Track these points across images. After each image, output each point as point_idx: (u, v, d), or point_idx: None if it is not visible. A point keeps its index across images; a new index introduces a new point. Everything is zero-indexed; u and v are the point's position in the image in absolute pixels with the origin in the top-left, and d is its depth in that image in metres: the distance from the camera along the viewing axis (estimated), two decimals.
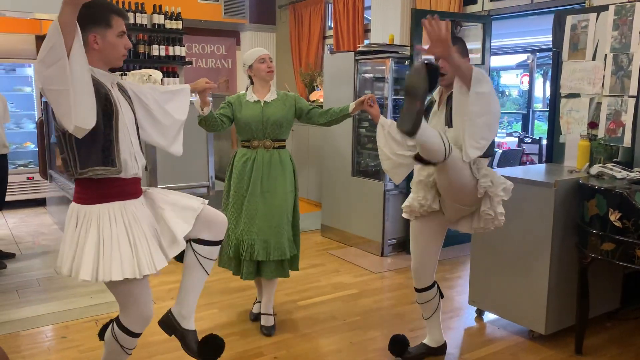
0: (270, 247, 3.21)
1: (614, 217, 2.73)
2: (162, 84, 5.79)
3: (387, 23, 5.76)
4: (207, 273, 2.43)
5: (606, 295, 3.40)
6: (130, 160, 2.17)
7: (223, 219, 2.45)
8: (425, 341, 3.07)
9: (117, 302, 2.25)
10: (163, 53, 6.41)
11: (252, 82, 3.35)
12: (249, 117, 3.23)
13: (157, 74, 5.55)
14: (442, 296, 3.05)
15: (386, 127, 2.97)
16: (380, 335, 3.31)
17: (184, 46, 6.64)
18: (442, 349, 3.07)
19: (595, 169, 3.17)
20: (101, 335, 2.45)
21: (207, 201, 2.40)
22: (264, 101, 3.27)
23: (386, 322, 3.49)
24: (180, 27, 6.55)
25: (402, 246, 4.96)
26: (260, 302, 3.48)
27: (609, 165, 3.19)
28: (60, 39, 1.79)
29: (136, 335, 2.28)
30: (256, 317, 3.46)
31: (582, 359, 3.02)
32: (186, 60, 6.71)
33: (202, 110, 3.00)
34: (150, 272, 2.12)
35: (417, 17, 4.63)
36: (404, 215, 2.98)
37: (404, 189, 4.90)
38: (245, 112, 3.23)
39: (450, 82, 2.58)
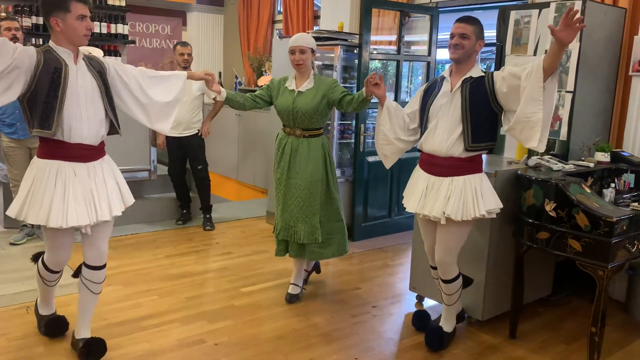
0: (290, 230, 3.41)
1: (549, 207, 2.84)
2: None
3: (337, 10, 5.74)
4: (95, 293, 2.75)
5: (539, 283, 3.55)
6: (77, 129, 2.46)
7: (102, 250, 2.69)
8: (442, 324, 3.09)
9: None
10: (105, 30, 6.16)
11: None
12: (282, 106, 3.36)
13: (97, 52, 5.32)
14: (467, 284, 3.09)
15: (392, 111, 2.96)
16: (323, 321, 3.33)
17: (127, 24, 6.40)
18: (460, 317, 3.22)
19: (533, 160, 3.28)
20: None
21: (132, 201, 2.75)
22: (298, 91, 3.33)
23: (329, 309, 3.51)
24: (123, 4, 6.31)
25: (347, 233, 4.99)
26: (295, 284, 3.64)
27: (546, 157, 3.32)
28: None
29: (52, 271, 2.74)
30: (290, 298, 3.58)
31: (516, 343, 3.14)
32: (129, 39, 6.47)
33: (215, 97, 3.21)
34: (59, 225, 2.44)
35: (367, 6, 4.64)
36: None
37: (350, 177, 4.93)
38: (280, 100, 3.37)
39: (462, 58, 2.73)
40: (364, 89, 3.10)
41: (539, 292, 3.58)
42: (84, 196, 2.50)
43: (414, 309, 3.59)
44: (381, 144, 3.01)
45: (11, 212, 2.51)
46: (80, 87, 2.47)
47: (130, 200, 2.73)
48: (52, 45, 2.47)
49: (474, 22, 2.73)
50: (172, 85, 2.80)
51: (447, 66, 2.85)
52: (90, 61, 2.57)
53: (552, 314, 3.55)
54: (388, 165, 3.11)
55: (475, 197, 2.74)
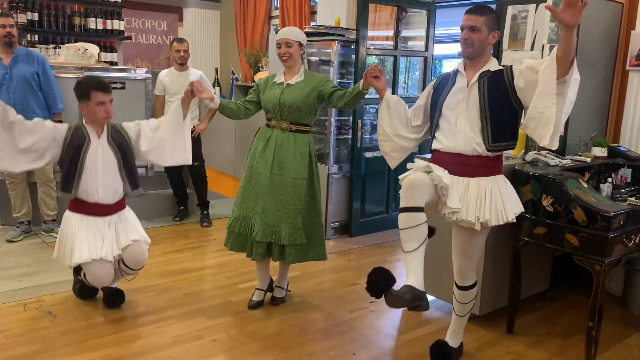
0: (268, 229, 3.16)
1: (546, 202, 2.84)
2: (99, 59, 5.55)
3: (333, 5, 5.72)
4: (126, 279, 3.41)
5: (536, 277, 3.55)
6: (92, 191, 3.07)
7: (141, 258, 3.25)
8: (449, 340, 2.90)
9: None
10: (100, 26, 6.11)
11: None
12: (268, 99, 3.23)
13: (93, 48, 5.31)
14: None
15: (392, 104, 2.76)
16: (320, 316, 3.33)
17: (123, 20, 6.35)
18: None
19: (531, 155, 3.28)
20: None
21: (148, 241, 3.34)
22: (287, 83, 3.21)
23: (327, 304, 3.51)
24: None
25: (345, 229, 5.00)
26: (260, 289, 3.48)
27: (543, 152, 3.32)
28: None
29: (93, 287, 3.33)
30: (256, 305, 3.42)
31: (513, 338, 3.15)
32: (125, 35, 6.43)
33: (210, 105, 3.14)
34: (94, 257, 3.05)
35: (364, 1, 4.63)
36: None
37: (348, 173, 4.92)
38: (268, 93, 3.24)
39: (474, 55, 2.49)
40: (360, 81, 2.96)
41: (536, 286, 3.59)
42: (103, 237, 3.11)
43: None
44: (380, 139, 2.83)
45: (55, 254, 3.21)
46: (99, 159, 3.07)
47: (147, 239, 3.30)
48: (82, 123, 3.11)
49: (485, 11, 2.45)
50: (173, 123, 3.21)
51: (460, 60, 2.60)
52: (114, 134, 3.13)
53: (550, 309, 3.56)
54: (392, 164, 2.87)
55: (503, 200, 2.53)
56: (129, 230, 3.20)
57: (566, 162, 3.25)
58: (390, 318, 3.37)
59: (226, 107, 3.23)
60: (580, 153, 3.52)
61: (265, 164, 3.19)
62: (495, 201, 2.51)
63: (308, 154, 3.23)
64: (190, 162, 3.30)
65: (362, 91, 2.99)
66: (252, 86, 3.40)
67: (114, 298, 3.33)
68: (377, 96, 2.87)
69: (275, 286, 3.54)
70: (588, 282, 2.89)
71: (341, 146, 5.05)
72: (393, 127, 2.78)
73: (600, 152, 3.48)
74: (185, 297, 3.51)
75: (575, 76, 2.27)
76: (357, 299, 3.59)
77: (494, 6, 3.92)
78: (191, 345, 2.92)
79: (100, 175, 3.08)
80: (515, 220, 2.57)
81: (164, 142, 3.19)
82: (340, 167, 4.91)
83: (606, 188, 3.15)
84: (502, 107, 2.48)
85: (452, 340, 2.88)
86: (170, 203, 5.38)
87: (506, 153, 3.56)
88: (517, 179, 3.06)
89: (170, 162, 3.27)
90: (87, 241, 3.03)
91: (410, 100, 5.57)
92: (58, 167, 3.12)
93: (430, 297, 3.59)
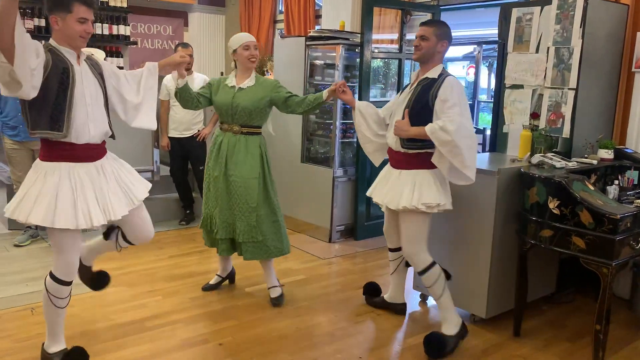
0: (228, 227, 3.36)
1: (552, 204, 2.83)
2: None
3: (338, 9, 5.74)
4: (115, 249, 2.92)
5: (543, 280, 3.54)
6: (85, 128, 2.46)
7: (147, 235, 2.86)
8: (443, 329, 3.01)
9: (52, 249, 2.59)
10: (107, 32, 6.15)
11: (236, 66, 3.40)
12: (221, 102, 3.32)
13: (99, 53, 5.33)
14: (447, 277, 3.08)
15: (364, 110, 3.13)
16: (326, 320, 3.33)
17: (128, 25, 6.39)
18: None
19: (536, 158, 3.28)
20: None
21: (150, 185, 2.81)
22: (239, 87, 3.32)
23: (332, 308, 3.51)
24: (125, 5, 6.30)
25: (350, 232, 5.00)
26: (219, 275, 3.73)
27: (549, 155, 3.31)
28: None
29: (61, 282, 2.56)
30: (210, 287, 3.69)
31: (520, 341, 3.13)
32: (131, 40, 6.47)
33: (177, 82, 3.10)
34: (82, 226, 2.44)
35: (368, 4, 4.63)
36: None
37: (353, 176, 4.92)
38: (219, 96, 3.33)
39: (423, 59, 2.90)
40: (324, 91, 3.26)
41: (542, 289, 3.57)
42: (96, 197, 2.50)
43: (418, 308, 3.59)
44: (362, 142, 3.20)
45: (19, 215, 2.43)
46: (85, 87, 2.47)
47: (147, 184, 2.82)
48: (54, 44, 2.44)
49: (435, 24, 2.92)
50: (142, 83, 2.75)
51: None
52: (92, 62, 2.59)
53: (556, 312, 3.55)
54: (377, 162, 3.24)
55: (414, 189, 2.87)
56: (133, 182, 2.69)
57: (572, 164, 3.24)
58: (396, 322, 3.36)
59: (186, 91, 3.22)
60: (586, 155, 3.50)
61: (219, 167, 3.34)
62: (402, 189, 2.90)
63: (259, 154, 3.37)
64: (155, 128, 2.83)
65: (324, 101, 3.28)
66: None
67: (100, 281, 3.05)
68: (382, 99, 3.06)
69: (268, 288, 3.56)
70: (595, 285, 2.87)
71: (346, 149, 5.05)
72: (371, 129, 3.14)
73: (606, 154, 3.47)
74: (191, 300, 3.52)
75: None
76: (363, 303, 3.59)
77: (498, 9, 3.94)
78: (197, 349, 2.92)
79: (90, 107, 2.49)
80: (424, 209, 2.85)
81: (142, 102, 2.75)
82: (345, 171, 4.90)
83: (613, 190, 3.13)
84: (422, 112, 2.84)
85: (445, 328, 3.00)
86: (176, 207, 5.39)
87: (512, 156, 3.57)
88: (523, 181, 3.06)
89: (140, 123, 2.73)
90: (75, 202, 2.43)
91: None
92: (26, 103, 2.37)
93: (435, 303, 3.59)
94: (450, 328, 2.98)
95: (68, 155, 2.46)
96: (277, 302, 3.49)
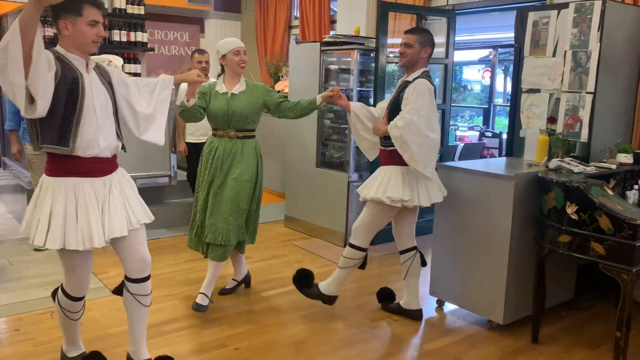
0: (218, 231, 3.30)
1: (570, 210, 2.80)
2: (123, 70, 5.65)
3: (353, 14, 5.75)
4: (146, 306, 2.60)
5: (561, 286, 3.50)
6: (94, 141, 2.31)
7: (143, 257, 2.54)
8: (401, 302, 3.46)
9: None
10: (124, 39, 6.22)
11: (223, 71, 3.39)
12: (216, 109, 3.31)
13: (117, 60, 5.40)
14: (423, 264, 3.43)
15: (358, 112, 3.33)
16: (342, 326, 3.32)
17: (146, 32, 6.46)
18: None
19: (554, 163, 3.25)
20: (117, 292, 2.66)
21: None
22: (232, 93, 3.33)
23: (348, 313, 3.51)
24: (142, 12, 6.36)
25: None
26: (235, 279, 3.75)
27: (567, 159, 3.28)
28: (17, 42, 1.93)
29: (73, 298, 2.50)
30: (227, 292, 3.72)
31: (538, 348, 3.10)
32: (148, 46, 6.54)
33: (188, 101, 3.05)
34: (80, 248, 2.30)
35: (383, 9, 4.64)
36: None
37: None
38: (214, 104, 3.32)
39: (408, 65, 3.15)
40: (318, 96, 3.37)
41: (561, 295, 3.53)
42: (100, 214, 2.35)
43: (434, 314, 3.57)
44: (358, 140, 3.43)
45: (39, 240, 2.29)
46: (95, 97, 2.32)
47: (150, 215, 2.57)
48: (61, 51, 2.27)
49: (418, 32, 3.17)
50: (157, 96, 2.60)
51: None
52: (101, 70, 2.43)
53: (575, 318, 3.50)
54: (370, 158, 3.47)
55: (381, 183, 3.14)
56: (133, 205, 2.46)
57: (590, 169, 3.21)
58: (412, 327, 3.35)
59: (193, 108, 3.17)
60: (605, 160, 3.46)
61: (213, 173, 3.34)
62: (373, 182, 3.20)
63: (255, 156, 3.39)
64: (162, 144, 2.65)
65: (318, 106, 3.39)
66: None
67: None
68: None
69: (200, 292, 3.43)
70: (615, 291, 2.84)
71: (361, 154, 5.02)
72: (367, 129, 3.35)
73: (625, 158, 3.43)
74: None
75: (394, 134, 3.01)
76: (378, 308, 3.58)
77: (514, 12, 3.92)
78: (214, 353, 2.94)
79: (100, 119, 2.33)
80: (386, 202, 3.10)
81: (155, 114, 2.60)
82: (360, 175, 4.90)
83: (632, 195, 3.10)
84: (395, 112, 3.07)
85: (325, 287, 3.42)
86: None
87: (529, 160, 3.54)
88: (541, 186, 3.03)
89: (149, 137, 2.57)
90: (80, 221, 2.30)
91: None
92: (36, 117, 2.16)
93: (453, 307, 3.58)
94: (327, 289, 3.41)
95: (75, 170, 2.31)
96: (197, 308, 3.36)
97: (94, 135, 2.31)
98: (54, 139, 2.24)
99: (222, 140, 3.36)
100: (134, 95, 2.51)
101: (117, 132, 2.44)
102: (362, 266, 3.41)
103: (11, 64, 1.96)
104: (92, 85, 2.31)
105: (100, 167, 2.37)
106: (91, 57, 2.41)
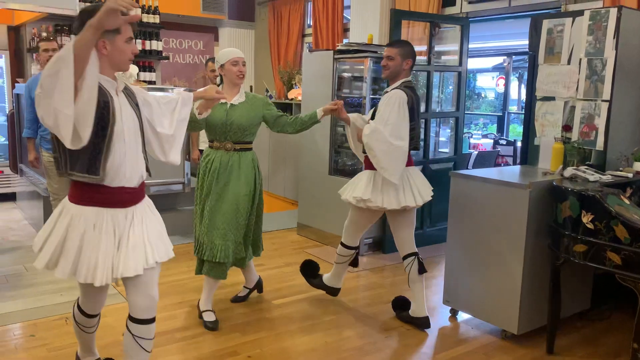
0: (215, 248, 3.21)
1: (586, 219, 2.77)
2: (138, 78, 5.71)
3: (366, 23, 5.76)
4: (147, 352, 2.35)
5: (577, 296, 3.46)
6: (121, 170, 2.17)
7: (152, 296, 2.31)
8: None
9: None
10: (140, 47, 6.30)
11: (221, 81, 3.33)
12: (214, 120, 3.23)
13: (133, 68, 5.48)
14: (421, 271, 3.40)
15: (357, 123, 3.45)
16: (355, 334, 3.31)
17: (161, 40, 6.54)
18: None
19: (569, 171, 3.22)
20: None
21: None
22: (230, 104, 3.26)
23: (360, 322, 3.49)
24: (157, 21, 6.45)
25: (378, 245, 4.98)
26: (246, 287, 3.74)
27: (582, 168, 3.24)
28: (70, 69, 1.85)
29: (88, 315, 2.50)
30: (239, 299, 3.72)
31: (553, 359, 3.06)
32: (163, 55, 6.62)
33: (200, 114, 2.94)
34: (81, 281, 2.18)
35: (397, 18, 4.65)
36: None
37: None
38: (212, 114, 3.16)
39: (391, 76, 3.27)
40: (319, 110, 3.40)
41: (576, 305, 3.49)
42: (116, 249, 2.20)
43: (447, 323, 3.54)
44: (354, 147, 3.56)
45: (39, 263, 2.20)
46: (124, 123, 2.17)
47: (171, 252, 2.41)
48: None
49: (399, 44, 3.28)
50: (179, 114, 2.48)
51: None
52: (127, 91, 2.27)
53: (592, 329, 3.45)
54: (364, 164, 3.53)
55: (351, 184, 3.39)
56: (153, 239, 2.28)
57: (606, 177, 3.17)
58: (425, 337, 3.32)
59: (202, 121, 3.10)
60: (621, 168, 3.42)
61: (209, 186, 3.26)
62: (351, 184, 3.41)
63: (252, 169, 3.34)
64: (178, 163, 2.54)
65: (318, 120, 3.43)
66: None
67: None
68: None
69: (210, 310, 3.38)
70: (632, 302, 2.79)
71: None
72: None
73: None
74: (220, 312, 3.54)
75: (365, 141, 3.21)
76: (391, 317, 3.56)
77: (528, 20, 3.90)
78: None
79: (128, 145, 2.19)
80: (352, 202, 3.34)
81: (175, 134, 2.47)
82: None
83: None
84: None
85: (327, 279, 3.71)
86: None
87: (543, 169, 3.51)
88: (556, 195, 3.00)
89: (169, 157, 2.45)
90: (101, 255, 2.16)
91: (443, 116, 5.55)
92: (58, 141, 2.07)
93: (466, 316, 3.55)
94: (330, 280, 3.70)
95: (98, 199, 2.17)
96: (212, 326, 3.30)
97: (121, 163, 2.17)
98: (84, 167, 2.11)
99: (218, 152, 3.28)
100: (156, 115, 2.38)
101: (144, 158, 2.32)
102: (353, 264, 3.63)
103: (59, 92, 1.87)
104: (121, 110, 2.17)
105: (126, 197, 2.23)
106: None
